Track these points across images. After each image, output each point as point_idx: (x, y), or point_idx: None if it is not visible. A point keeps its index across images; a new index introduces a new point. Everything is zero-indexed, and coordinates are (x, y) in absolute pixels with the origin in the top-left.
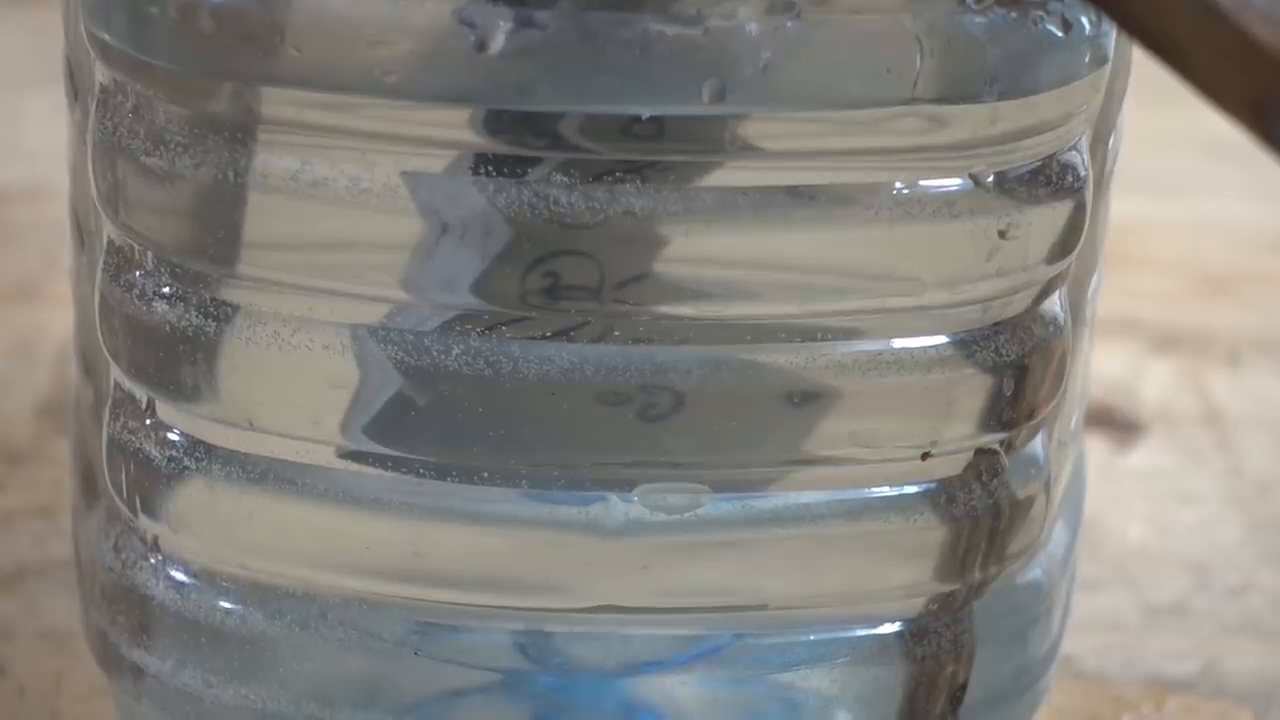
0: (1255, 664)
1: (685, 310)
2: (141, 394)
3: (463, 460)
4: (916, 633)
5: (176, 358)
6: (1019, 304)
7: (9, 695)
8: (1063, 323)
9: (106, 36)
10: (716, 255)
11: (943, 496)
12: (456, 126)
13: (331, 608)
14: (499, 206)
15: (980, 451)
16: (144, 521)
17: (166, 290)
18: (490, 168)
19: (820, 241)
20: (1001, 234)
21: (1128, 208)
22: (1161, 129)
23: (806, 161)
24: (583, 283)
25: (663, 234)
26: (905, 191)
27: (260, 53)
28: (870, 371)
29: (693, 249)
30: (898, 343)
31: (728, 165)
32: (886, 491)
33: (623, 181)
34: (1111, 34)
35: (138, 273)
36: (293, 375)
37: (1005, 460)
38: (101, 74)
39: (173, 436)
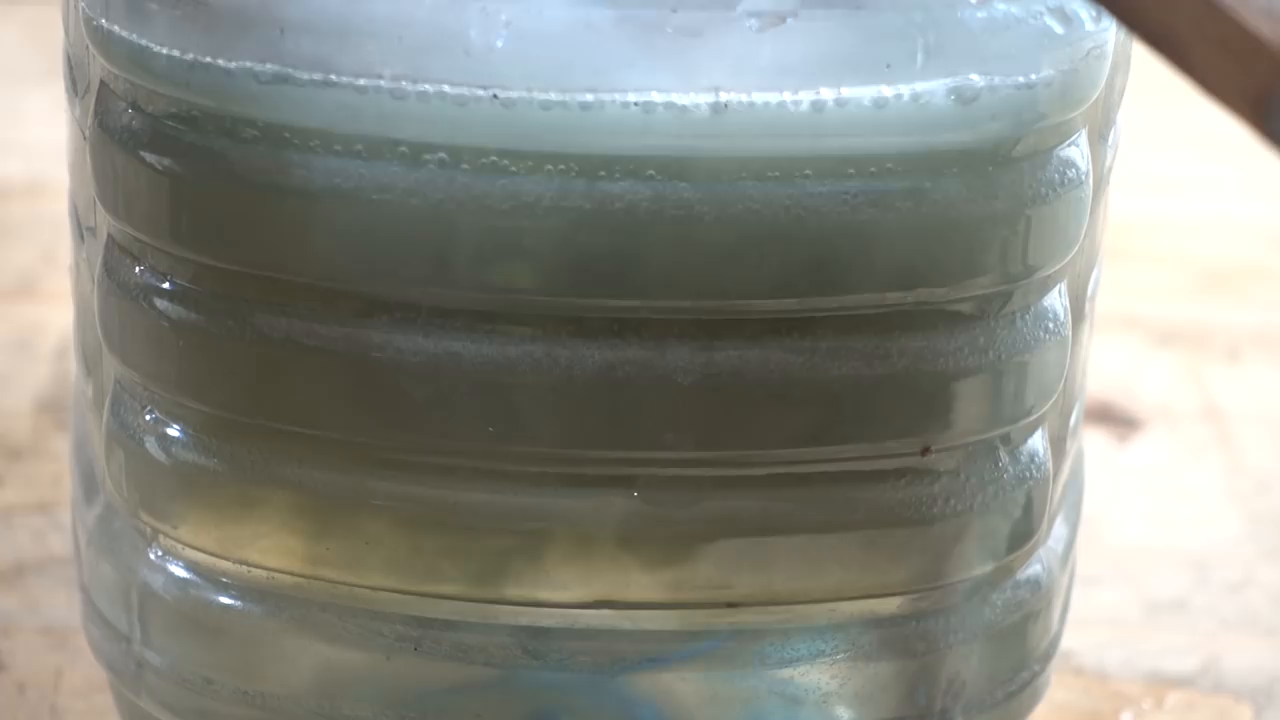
0: (1255, 659)
1: (684, 304)
2: (141, 389)
3: (462, 456)
4: (916, 628)
5: (175, 353)
6: (1019, 300)
7: (9, 690)
8: (1063, 318)
9: (105, 31)
10: (716, 250)
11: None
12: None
13: (331, 604)
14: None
15: (980, 448)
16: (143, 517)
17: (165, 285)
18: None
19: (818, 236)
20: (1001, 230)
21: (1128, 203)
22: (1161, 124)
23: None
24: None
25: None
26: (904, 186)
27: (259, 46)
28: (870, 366)
29: (692, 243)
30: (898, 338)
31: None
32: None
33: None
34: (1111, 29)
35: (137, 268)
36: (292, 371)
37: (1005, 456)
38: (101, 69)
39: (172, 432)
